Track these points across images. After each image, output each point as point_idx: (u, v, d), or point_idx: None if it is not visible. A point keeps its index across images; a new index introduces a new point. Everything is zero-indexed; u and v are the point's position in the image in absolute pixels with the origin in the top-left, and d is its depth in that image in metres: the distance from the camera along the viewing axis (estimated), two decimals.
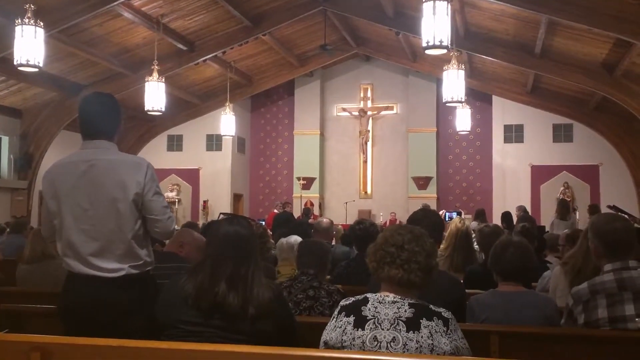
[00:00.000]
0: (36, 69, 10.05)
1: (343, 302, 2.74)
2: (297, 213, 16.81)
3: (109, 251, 3.18)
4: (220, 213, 12.92)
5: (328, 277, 4.78)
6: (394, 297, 2.63)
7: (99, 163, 3.24)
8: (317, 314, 3.91)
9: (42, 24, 9.69)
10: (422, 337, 2.51)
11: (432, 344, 2.50)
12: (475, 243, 6.28)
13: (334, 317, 2.71)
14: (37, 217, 15.16)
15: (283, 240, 5.64)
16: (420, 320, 2.55)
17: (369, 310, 2.61)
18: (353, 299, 2.73)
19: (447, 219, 7.12)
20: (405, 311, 2.58)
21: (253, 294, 2.91)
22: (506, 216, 12.05)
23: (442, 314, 2.60)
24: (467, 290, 4.46)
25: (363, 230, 5.69)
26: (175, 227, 3.55)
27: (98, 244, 3.18)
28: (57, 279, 4.24)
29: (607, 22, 10.73)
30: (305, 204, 17.80)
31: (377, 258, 2.72)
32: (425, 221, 3.91)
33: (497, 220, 13.39)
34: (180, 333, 2.89)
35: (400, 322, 2.55)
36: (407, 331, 2.52)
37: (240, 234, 3.03)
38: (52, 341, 2.36)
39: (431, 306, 2.62)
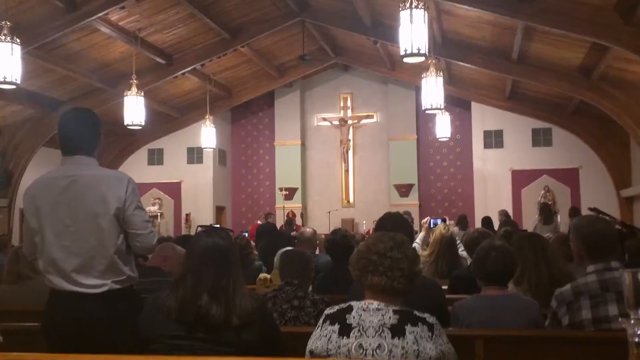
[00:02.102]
0: (14, 86, 9.97)
1: (328, 311, 2.73)
2: (280, 224, 16.80)
3: (91, 267, 3.16)
4: (198, 226, 12.88)
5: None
6: (378, 305, 2.63)
7: (79, 179, 3.22)
8: (302, 324, 3.90)
9: (18, 40, 9.62)
10: (407, 343, 2.51)
11: (418, 349, 2.50)
12: (461, 249, 6.32)
13: (319, 326, 2.71)
14: (18, 235, 14.99)
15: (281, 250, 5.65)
16: (405, 327, 2.55)
17: (353, 318, 2.61)
18: (337, 307, 2.72)
19: (432, 226, 7.14)
20: (390, 318, 2.57)
21: (236, 304, 2.89)
22: (486, 221, 12.12)
23: (427, 319, 2.60)
24: (452, 296, 4.48)
25: (331, 241, 5.78)
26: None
27: (80, 259, 3.16)
28: (38, 298, 4.19)
29: (582, 27, 10.84)
30: (288, 215, 17.76)
31: (360, 266, 2.72)
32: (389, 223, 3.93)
33: (479, 225, 13.45)
34: (165, 347, 2.87)
35: (385, 329, 2.55)
36: (392, 338, 2.52)
37: (219, 245, 3.02)
38: (35, 359, 2.34)
39: (416, 312, 2.62)
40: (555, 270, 4.14)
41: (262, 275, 5.79)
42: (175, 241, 4.19)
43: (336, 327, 2.61)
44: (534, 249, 4.21)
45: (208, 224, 16.37)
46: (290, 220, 16.18)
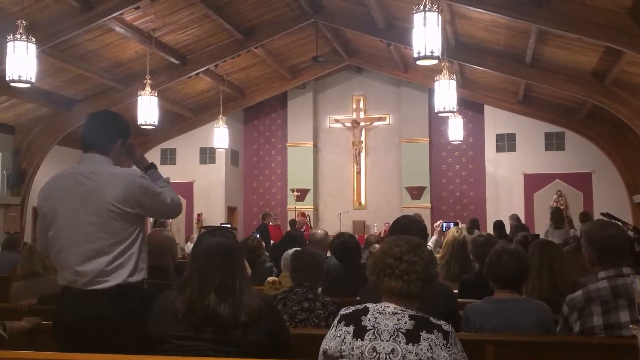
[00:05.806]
0: (28, 85, 10.03)
1: (343, 311, 2.72)
2: (293, 224, 16.80)
3: (101, 264, 3.16)
4: (202, 227, 12.90)
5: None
6: (395, 308, 2.61)
7: (91, 176, 3.24)
8: (312, 326, 3.89)
9: (34, 39, 9.68)
10: (421, 349, 2.49)
11: (432, 357, 2.48)
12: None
13: (333, 326, 2.70)
14: (31, 233, 15.08)
15: (288, 252, 5.63)
16: (420, 333, 2.53)
17: (368, 320, 2.60)
18: (353, 308, 2.71)
19: (444, 229, 7.11)
20: (405, 323, 2.56)
21: (243, 302, 2.91)
22: (498, 225, 12.06)
23: (443, 326, 2.58)
24: (462, 300, 4.47)
25: (342, 244, 5.74)
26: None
27: (90, 256, 3.17)
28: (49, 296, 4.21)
29: (596, 31, 10.79)
30: (297, 215, 17.71)
31: (376, 271, 2.71)
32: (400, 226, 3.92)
33: (491, 229, 13.39)
34: (173, 348, 2.88)
35: (400, 333, 2.53)
36: (407, 343, 2.51)
37: (223, 245, 3.03)
38: (45, 357, 2.35)
39: (432, 319, 2.60)
40: (559, 282, 4.12)
41: (270, 278, 5.77)
42: None
43: (351, 328, 2.61)
44: (540, 257, 4.20)
45: (217, 224, 16.38)
46: (292, 221, 16.23)
